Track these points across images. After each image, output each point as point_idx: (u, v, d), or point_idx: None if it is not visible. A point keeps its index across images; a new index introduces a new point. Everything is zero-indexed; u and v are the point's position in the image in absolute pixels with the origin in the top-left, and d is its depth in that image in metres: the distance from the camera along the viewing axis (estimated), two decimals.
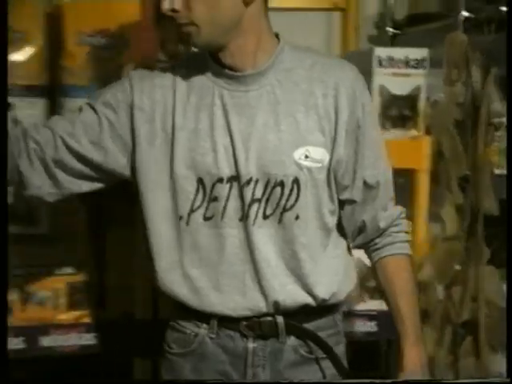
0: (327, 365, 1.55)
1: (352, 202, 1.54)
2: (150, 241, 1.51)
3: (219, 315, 1.51)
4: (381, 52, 2.00)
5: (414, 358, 1.53)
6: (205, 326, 1.53)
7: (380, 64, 2.00)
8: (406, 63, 2.00)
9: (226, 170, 1.47)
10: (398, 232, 1.57)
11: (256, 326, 1.51)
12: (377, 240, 1.57)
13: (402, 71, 2.00)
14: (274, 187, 1.48)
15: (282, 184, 1.48)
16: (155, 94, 1.51)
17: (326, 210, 1.52)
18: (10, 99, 1.75)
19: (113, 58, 1.86)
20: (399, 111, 2.01)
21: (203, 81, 1.51)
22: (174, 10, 1.41)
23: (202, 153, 1.48)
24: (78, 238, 1.88)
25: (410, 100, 2.01)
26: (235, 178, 1.47)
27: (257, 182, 1.47)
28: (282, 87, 1.49)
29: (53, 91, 1.88)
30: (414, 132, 2.02)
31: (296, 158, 1.48)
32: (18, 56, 1.82)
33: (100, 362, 1.88)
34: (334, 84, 1.48)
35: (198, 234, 1.49)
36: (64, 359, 1.86)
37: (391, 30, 2.70)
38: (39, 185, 1.51)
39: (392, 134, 1.99)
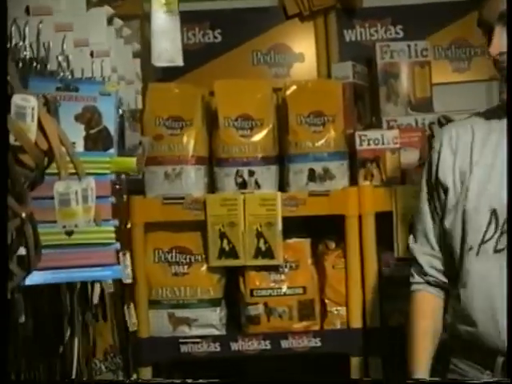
0: None
1: None
2: None
3: (501, 352, 1.42)
4: None
5: None
6: (488, 372, 1.45)
7: None
8: None
9: None
10: None
11: None
12: None
13: None
14: None
15: None
16: (459, 142, 1.55)
17: None
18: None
19: (321, 131, 2.36)
20: None
21: (503, 122, 1.50)
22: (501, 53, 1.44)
23: (496, 185, 1.45)
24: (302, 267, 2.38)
25: None
26: None
27: None
28: None
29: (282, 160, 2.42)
30: None
31: None
32: (258, 136, 2.38)
33: (324, 361, 2.37)
34: None
35: (487, 265, 1.45)
36: (299, 357, 2.37)
37: None
38: None
39: None
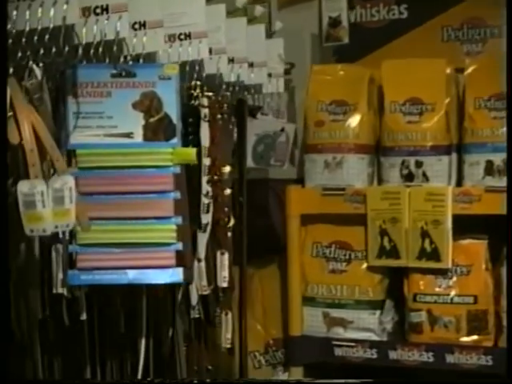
0: None
1: None
2: None
3: None
4: None
5: None
6: None
7: None
8: None
9: None
10: None
11: None
12: None
13: None
14: None
15: None
16: None
17: None
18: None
19: (503, 117, 1.99)
20: None
21: None
22: None
23: None
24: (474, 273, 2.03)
25: None
26: None
27: None
28: None
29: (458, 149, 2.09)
30: None
31: None
32: (427, 123, 2.07)
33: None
34: None
35: None
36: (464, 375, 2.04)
37: None
38: None
39: None
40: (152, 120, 1.26)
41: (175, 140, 1.27)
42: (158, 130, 1.26)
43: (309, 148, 2.14)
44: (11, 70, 1.14)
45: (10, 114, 1.01)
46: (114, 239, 1.24)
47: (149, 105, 1.26)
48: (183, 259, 1.30)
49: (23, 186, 1.06)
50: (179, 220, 1.28)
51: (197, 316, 1.64)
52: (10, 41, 1.15)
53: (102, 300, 1.38)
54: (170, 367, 1.62)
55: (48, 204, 1.06)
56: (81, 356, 1.38)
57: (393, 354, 2.07)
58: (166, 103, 1.27)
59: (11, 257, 1.15)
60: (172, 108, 1.27)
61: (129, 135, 1.25)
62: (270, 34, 2.05)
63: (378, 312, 2.11)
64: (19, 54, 1.14)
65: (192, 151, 1.30)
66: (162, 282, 1.28)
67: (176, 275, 1.27)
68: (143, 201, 1.25)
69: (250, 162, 1.90)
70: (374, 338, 2.11)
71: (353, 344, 2.10)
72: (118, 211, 1.25)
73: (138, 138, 1.26)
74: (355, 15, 2.40)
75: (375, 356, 2.08)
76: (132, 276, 1.25)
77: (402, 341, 2.09)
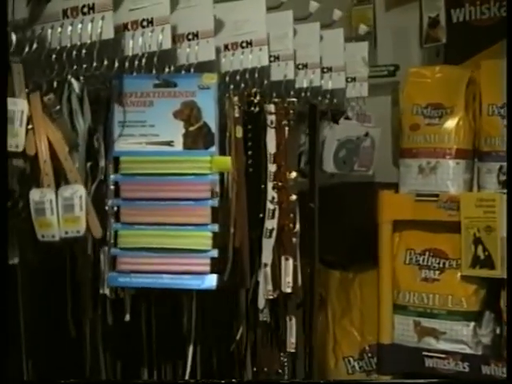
0: None
1: None
2: None
3: None
4: None
5: None
6: None
7: None
8: None
9: None
10: None
11: None
12: None
13: None
14: None
15: None
16: None
17: None
18: None
19: None
20: None
21: None
22: None
23: None
24: None
25: None
26: None
27: None
28: None
29: None
30: None
31: None
32: None
33: None
34: None
35: None
36: None
37: None
38: None
39: None
40: (192, 129, 1.28)
41: (214, 148, 1.29)
42: (197, 138, 1.28)
43: (403, 152, 2.08)
44: (55, 84, 1.21)
45: (30, 126, 1.08)
46: (152, 244, 1.28)
47: (189, 114, 1.28)
48: (218, 266, 1.31)
49: (35, 195, 1.12)
50: (215, 227, 1.29)
51: (265, 319, 1.64)
52: (54, 56, 1.22)
53: (154, 301, 1.42)
54: (235, 369, 1.64)
55: (57, 211, 1.12)
56: (138, 356, 1.43)
57: (486, 369, 1.96)
58: (205, 112, 1.28)
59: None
60: (211, 117, 1.28)
61: (169, 143, 1.28)
62: (361, 37, 2.01)
63: (472, 324, 2.01)
64: (54, 69, 1.21)
65: (227, 159, 1.31)
66: (196, 288, 1.30)
67: (210, 282, 1.28)
68: (181, 207, 1.28)
69: (332, 168, 1.88)
70: (467, 350, 2.00)
71: (444, 356, 2.01)
72: (157, 217, 1.28)
73: (179, 146, 1.29)
74: (464, 13, 2.30)
75: (467, 370, 1.98)
76: (167, 281, 1.28)
77: (497, 355, 1.97)
